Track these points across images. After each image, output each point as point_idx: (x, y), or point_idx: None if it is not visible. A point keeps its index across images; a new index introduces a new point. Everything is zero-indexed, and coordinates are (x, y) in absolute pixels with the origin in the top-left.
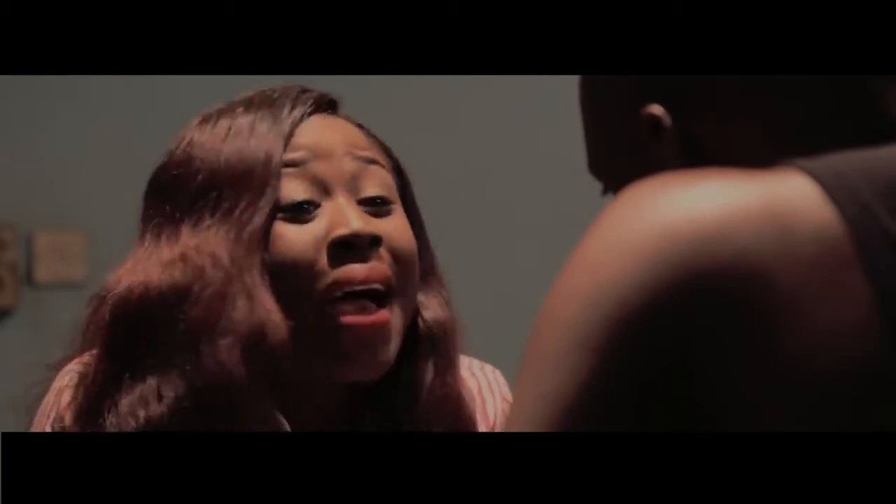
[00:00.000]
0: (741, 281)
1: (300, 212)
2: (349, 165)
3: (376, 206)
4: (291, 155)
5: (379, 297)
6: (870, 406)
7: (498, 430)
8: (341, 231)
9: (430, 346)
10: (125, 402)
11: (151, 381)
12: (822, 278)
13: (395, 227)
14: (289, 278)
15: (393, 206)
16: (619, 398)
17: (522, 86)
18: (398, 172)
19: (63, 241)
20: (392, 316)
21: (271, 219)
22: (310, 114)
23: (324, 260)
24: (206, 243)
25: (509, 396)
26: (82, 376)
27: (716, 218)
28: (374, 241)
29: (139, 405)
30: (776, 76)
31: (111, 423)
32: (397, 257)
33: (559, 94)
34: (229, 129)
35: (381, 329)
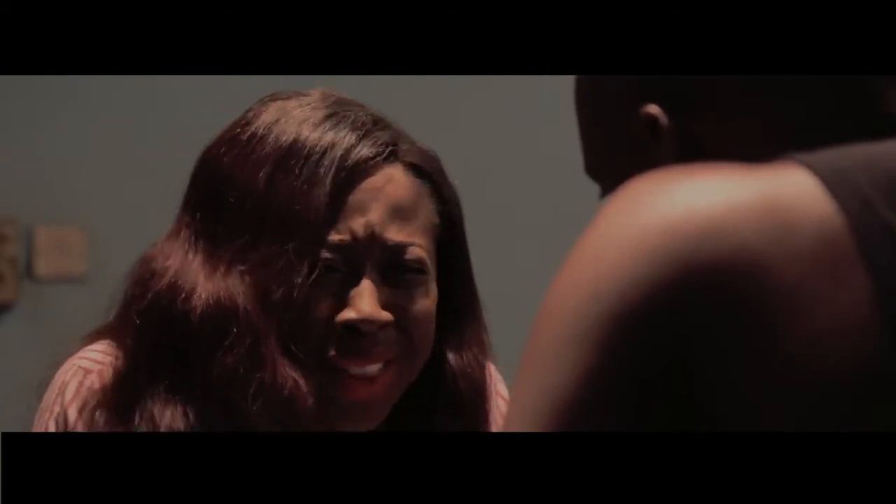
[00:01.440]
0: (740, 276)
1: (326, 282)
2: (386, 247)
3: (400, 284)
4: (336, 237)
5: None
6: (870, 402)
7: (493, 426)
8: (350, 315)
9: (455, 402)
10: (166, 416)
11: (190, 408)
12: (821, 273)
13: (413, 302)
14: (300, 343)
15: (420, 278)
16: (618, 392)
17: (522, 86)
18: (450, 218)
19: (63, 236)
20: (392, 379)
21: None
22: (367, 164)
23: (333, 336)
24: (239, 292)
25: (505, 392)
26: (87, 372)
27: (715, 213)
28: (384, 325)
29: (181, 422)
30: (776, 76)
31: (139, 426)
32: (407, 334)
33: (558, 93)
34: (291, 147)
35: (378, 392)
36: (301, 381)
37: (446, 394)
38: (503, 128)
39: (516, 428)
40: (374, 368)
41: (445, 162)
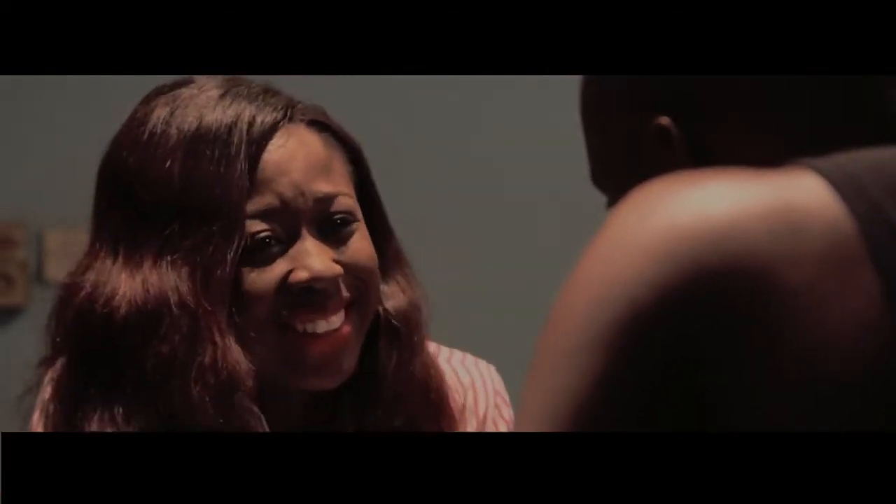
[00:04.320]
0: (750, 279)
1: (264, 253)
2: (312, 202)
3: (338, 232)
4: (260, 203)
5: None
6: (879, 399)
7: (489, 423)
8: (302, 275)
9: (391, 335)
10: (95, 422)
11: (118, 408)
12: (831, 275)
13: (355, 249)
14: (253, 317)
15: (354, 226)
16: (628, 395)
17: (534, 87)
18: (357, 163)
19: (73, 240)
20: (351, 328)
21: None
22: (272, 130)
23: (286, 300)
24: (171, 281)
25: (503, 391)
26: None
27: (725, 216)
28: (336, 278)
29: (109, 426)
30: (785, 76)
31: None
32: (358, 277)
33: (572, 96)
34: (196, 133)
35: (342, 343)
36: (241, 362)
37: (383, 329)
38: (515, 131)
39: (527, 430)
40: (336, 320)
41: (459, 164)
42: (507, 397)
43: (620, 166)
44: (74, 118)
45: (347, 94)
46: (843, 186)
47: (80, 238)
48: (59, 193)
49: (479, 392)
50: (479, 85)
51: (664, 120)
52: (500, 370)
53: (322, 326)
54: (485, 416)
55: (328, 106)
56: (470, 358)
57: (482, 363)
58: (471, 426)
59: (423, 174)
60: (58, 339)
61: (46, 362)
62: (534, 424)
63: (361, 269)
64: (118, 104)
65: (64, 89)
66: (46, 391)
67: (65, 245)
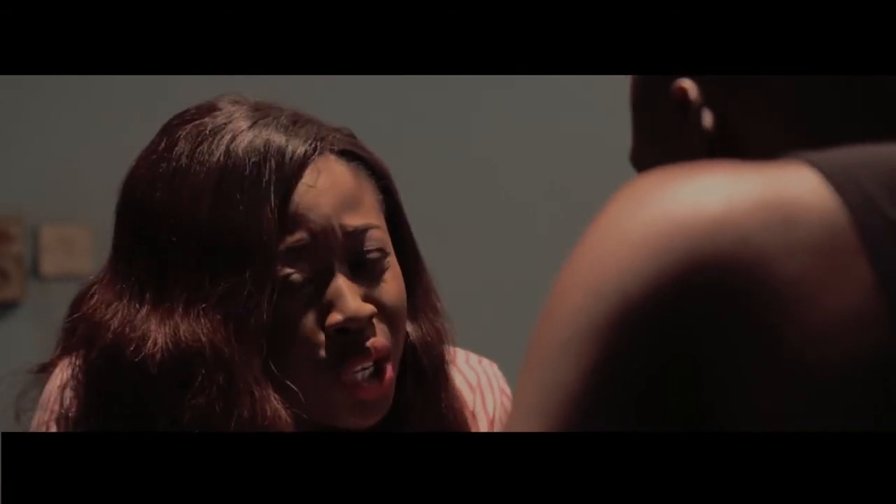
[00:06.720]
0: (743, 270)
1: (296, 295)
2: (343, 239)
3: (370, 270)
4: (290, 241)
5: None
6: (876, 392)
7: (497, 423)
8: (337, 318)
9: (418, 371)
10: None
11: None
12: (825, 266)
13: (387, 289)
14: (288, 363)
15: (386, 262)
16: (623, 389)
17: (533, 85)
18: (387, 192)
19: (69, 235)
20: (391, 374)
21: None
22: (303, 165)
23: (322, 341)
24: (204, 330)
25: (508, 389)
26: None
27: (718, 209)
28: (371, 317)
29: None
30: (805, 74)
31: None
32: (390, 318)
33: (572, 91)
34: (224, 171)
35: (387, 389)
36: (280, 412)
37: (410, 366)
38: (511, 123)
39: (520, 426)
40: (369, 361)
41: (455, 158)
42: (510, 392)
43: (652, 140)
44: (71, 115)
45: (347, 94)
46: (837, 179)
47: (76, 233)
48: (55, 188)
49: (486, 392)
50: (478, 85)
51: (685, 82)
52: (500, 368)
53: (358, 365)
54: (493, 417)
55: (328, 106)
56: (473, 357)
57: (485, 361)
58: (482, 428)
59: (422, 174)
60: (77, 373)
61: (45, 368)
62: (527, 419)
63: (391, 310)
64: (115, 103)
65: (60, 86)
66: (53, 410)
67: (61, 240)
